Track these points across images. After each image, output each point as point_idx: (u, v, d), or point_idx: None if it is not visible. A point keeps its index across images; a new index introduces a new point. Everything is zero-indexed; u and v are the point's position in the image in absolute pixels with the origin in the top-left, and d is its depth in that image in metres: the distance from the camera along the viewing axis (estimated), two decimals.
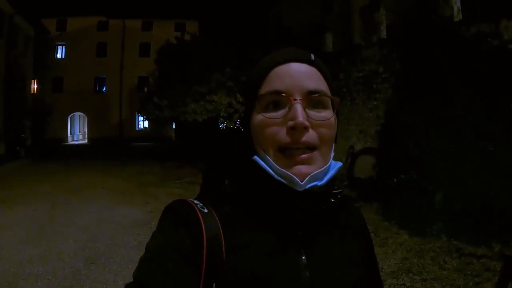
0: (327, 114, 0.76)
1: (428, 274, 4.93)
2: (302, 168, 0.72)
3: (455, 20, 8.46)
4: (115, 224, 7.42)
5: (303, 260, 0.75)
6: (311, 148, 0.73)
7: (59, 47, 34.84)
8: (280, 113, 0.74)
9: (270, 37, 16.42)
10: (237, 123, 16.49)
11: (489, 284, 4.56)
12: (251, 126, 0.79)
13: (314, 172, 0.72)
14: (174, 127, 25.64)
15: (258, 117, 0.76)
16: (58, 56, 34.98)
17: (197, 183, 11.94)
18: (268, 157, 0.74)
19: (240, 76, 15.05)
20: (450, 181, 6.88)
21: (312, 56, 0.79)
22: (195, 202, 0.76)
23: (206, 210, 0.74)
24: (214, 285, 0.67)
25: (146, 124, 35.41)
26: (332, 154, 0.79)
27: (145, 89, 21.93)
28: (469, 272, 4.94)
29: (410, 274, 4.94)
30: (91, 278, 4.92)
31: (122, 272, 5.11)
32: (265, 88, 0.76)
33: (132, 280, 0.67)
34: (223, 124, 16.74)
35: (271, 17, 19.25)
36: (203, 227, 0.70)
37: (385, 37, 10.55)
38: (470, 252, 5.58)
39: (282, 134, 0.73)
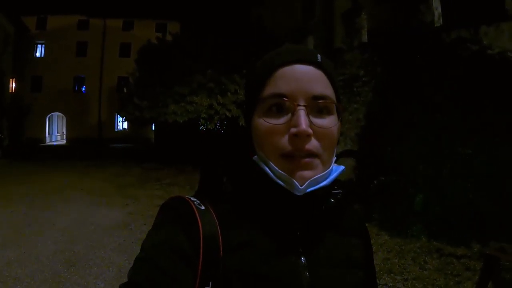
0: (331, 120, 0.74)
1: (409, 274, 4.98)
2: (304, 173, 0.70)
3: (436, 26, 8.60)
4: (95, 226, 7.29)
5: (302, 260, 0.74)
6: (313, 155, 0.71)
7: (39, 46, 34.38)
8: (283, 119, 0.72)
9: (252, 40, 16.39)
10: (217, 125, 16.41)
11: (469, 283, 4.63)
12: (252, 128, 0.78)
13: (315, 177, 0.70)
14: (153, 128, 25.40)
15: (260, 122, 0.74)
16: (38, 54, 34.50)
17: (177, 184, 11.90)
18: (269, 160, 0.72)
19: (221, 78, 15.02)
20: (429, 184, 6.97)
21: (319, 57, 0.76)
22: (192, 199, 0.74)
23: (203, 207, 0.73)
24: (210, 284, 0.65)
25: (125, 125, 35.07)
26: (334, 158, 0.78)
27: (125, 90, 21.66)
28: (449, 272, 5.01)
29: (392, 274, 4.99)
30: (71, 280, 4.81)
31: (102, 275, 5.02)
32: (269, 90, 0.74)
33: (127, 280, 0.65)
34: (204, 126, 16.65)
35: (252, 19, 19.23)
36: (200, 224, 0.69)
37: (366, 41, 10.66)
38: (450, 252, 5.66)
39: (284, 142, 0.71)
